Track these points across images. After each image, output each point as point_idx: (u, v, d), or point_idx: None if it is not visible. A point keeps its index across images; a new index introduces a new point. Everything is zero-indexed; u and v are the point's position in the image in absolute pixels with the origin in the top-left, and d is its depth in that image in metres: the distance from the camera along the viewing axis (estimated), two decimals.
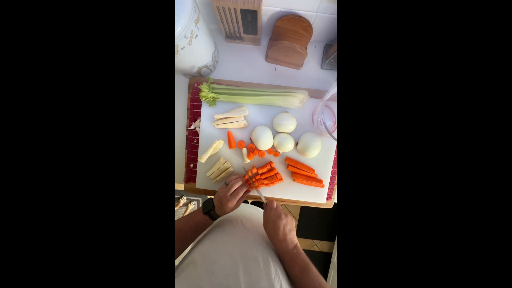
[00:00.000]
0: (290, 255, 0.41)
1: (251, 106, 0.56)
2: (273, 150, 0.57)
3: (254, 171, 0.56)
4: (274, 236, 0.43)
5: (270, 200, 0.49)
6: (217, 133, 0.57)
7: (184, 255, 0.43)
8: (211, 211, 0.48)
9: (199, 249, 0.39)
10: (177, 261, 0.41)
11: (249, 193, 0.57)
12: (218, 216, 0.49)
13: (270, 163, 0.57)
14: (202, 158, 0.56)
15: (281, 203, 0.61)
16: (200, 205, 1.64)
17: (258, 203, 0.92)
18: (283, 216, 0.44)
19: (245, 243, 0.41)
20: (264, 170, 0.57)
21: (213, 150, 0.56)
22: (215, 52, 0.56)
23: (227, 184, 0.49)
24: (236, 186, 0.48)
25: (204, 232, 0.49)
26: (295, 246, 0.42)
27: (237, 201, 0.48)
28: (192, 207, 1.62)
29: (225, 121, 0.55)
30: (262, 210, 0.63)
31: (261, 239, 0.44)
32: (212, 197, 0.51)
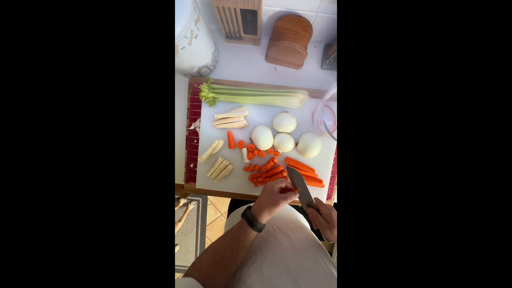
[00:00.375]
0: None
1: (251, 106, 0.56)
2: (273, 150, 0.57)
3: (257, 168, 0.56)
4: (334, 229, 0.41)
5: (330, 206, 0.45)
6: (217, 133, 0.57)
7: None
8: (246, 211, 0.42)
9: (253, 273, 0.35)
10: None
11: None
12: (255, 219, 0.40)
13: (272, 159, 0.57)
14: (202, 158, 0.56)
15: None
16: (200, 206, 1.64)
17: None
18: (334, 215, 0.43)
19: (296, 255, 0.38)
20: (268, 167, 0.57)
21: (213, 150, 0.56)
22: (215, 52, 0.56)
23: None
24: (284, 184, 0.45)
25: (248, 256, 0.41)
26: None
27: (284, 191, 0.43)
28: (192, 207, 1.62)
29: (225, 121, 0.55)
30: (289, 207, 0.60)
31: (309, 245, 0.42)
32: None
